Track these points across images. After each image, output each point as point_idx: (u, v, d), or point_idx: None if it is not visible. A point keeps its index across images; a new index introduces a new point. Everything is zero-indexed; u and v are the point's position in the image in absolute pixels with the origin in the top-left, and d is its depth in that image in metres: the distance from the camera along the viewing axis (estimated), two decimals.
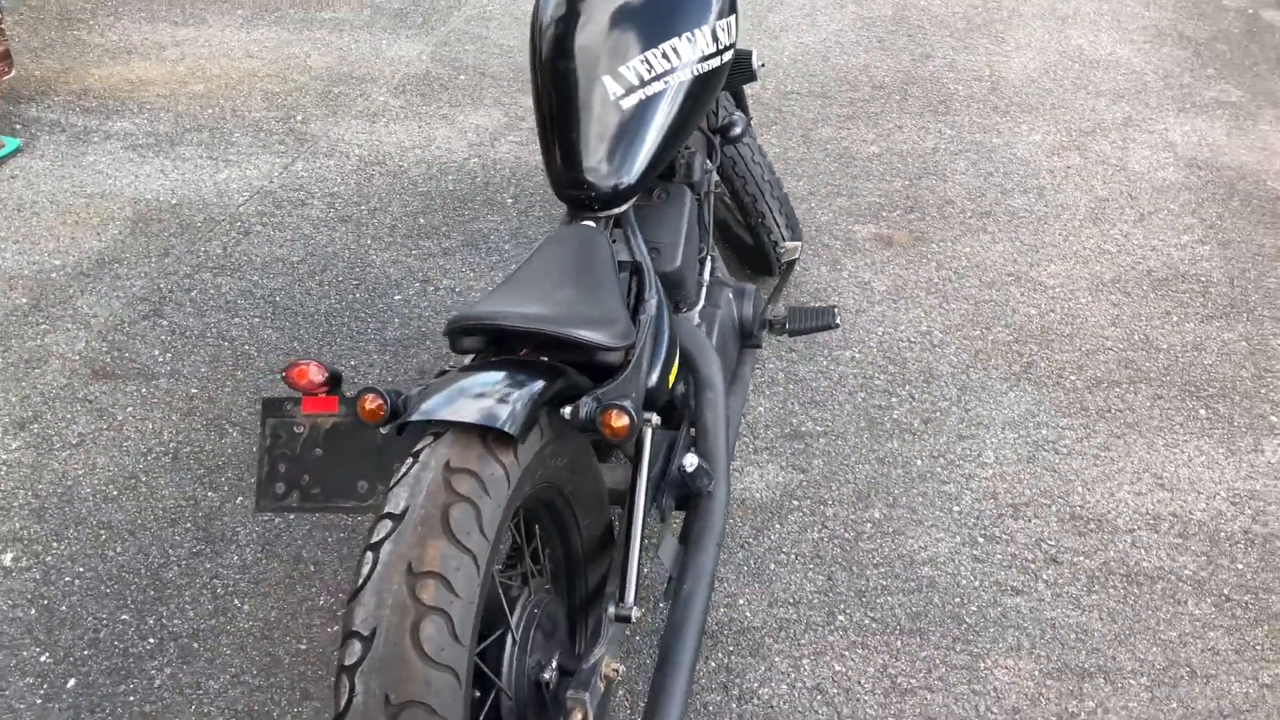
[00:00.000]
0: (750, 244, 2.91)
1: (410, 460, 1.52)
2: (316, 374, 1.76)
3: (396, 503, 1.47)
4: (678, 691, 1.73)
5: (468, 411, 1.54)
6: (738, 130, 2.48)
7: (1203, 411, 2.88)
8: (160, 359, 2.78)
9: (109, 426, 2.58)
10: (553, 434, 1.64)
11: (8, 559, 2.27)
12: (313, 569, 2.31)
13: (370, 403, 1.63)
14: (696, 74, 2.09)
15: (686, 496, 2.01)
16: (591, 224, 2.04)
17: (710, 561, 1.92)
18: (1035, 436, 2.77)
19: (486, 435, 1.53)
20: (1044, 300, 3.23)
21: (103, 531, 2.35)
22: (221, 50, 4.17)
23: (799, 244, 2.76)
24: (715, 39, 2.13)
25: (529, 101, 3.99)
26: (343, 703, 1.38)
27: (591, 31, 2.06)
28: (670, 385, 2.00)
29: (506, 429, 1.51)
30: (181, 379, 2.72)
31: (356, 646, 1.39)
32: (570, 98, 2.03)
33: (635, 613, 1.69)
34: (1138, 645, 2.28)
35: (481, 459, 1.51)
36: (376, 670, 1.37)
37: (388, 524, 1.45)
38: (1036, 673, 2.21)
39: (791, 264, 2.76)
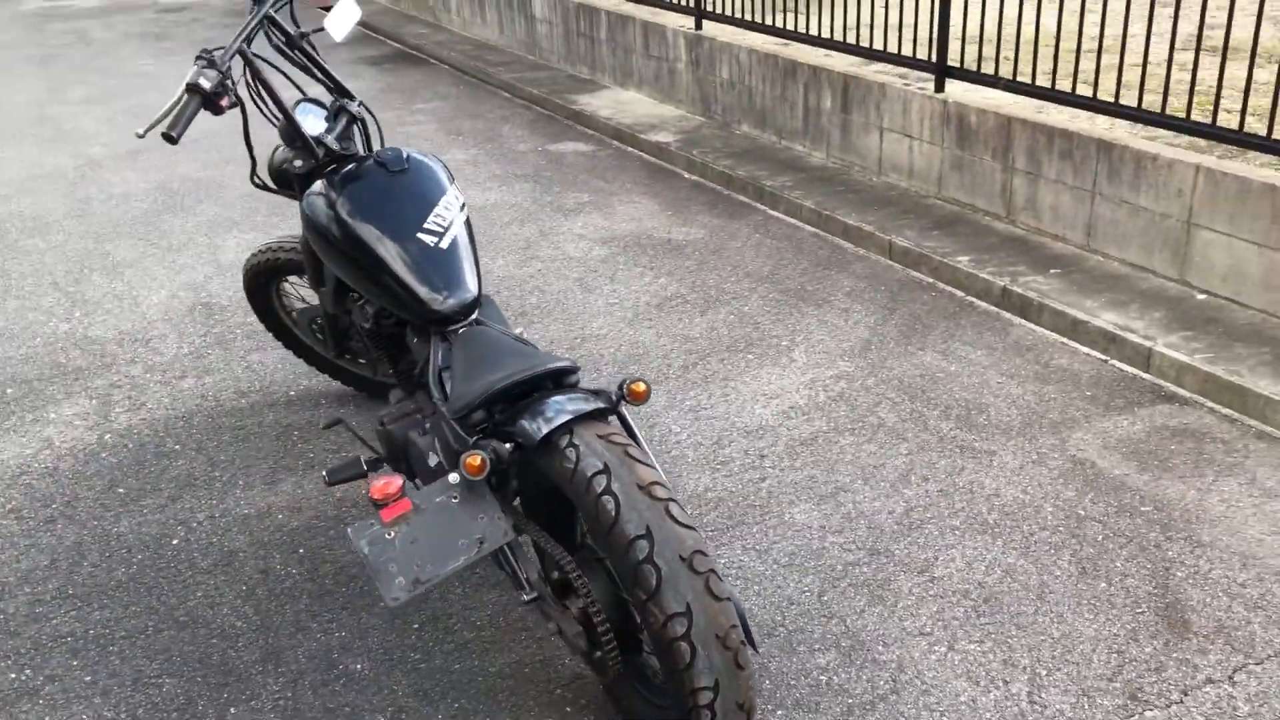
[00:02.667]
0: None
1: (572, 450, 2.22)
2: (392, 486, 2.33)
3: (596, 464, 2.18)
4: None
5: (573, 411, 2.29)
6: None
7: (751, 355, 4.30)
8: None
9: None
10: None
11: None
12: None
13: (476, 460, 2.29)
14: (465, 217, 2.93)
15: None
16: (468, 326, 2.79)
17: None
18: (685, 406, 3.94)
19: (595, 416, 2.30)
20: (607, 342, 4.44)
21: None
22: None
23: None
24: (458, 195, 2.99)
25: (95, 384, 4.25)
26: (653, 582, 2.07)
27: (378, 213, 2.80)
28: None
29: (604, 405, 2.31)
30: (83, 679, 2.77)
31: (643, 544, 2.09)
32: (406, 256, 2.76)
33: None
34: (838, 468, 3.54)
35: (608, 425, 2.29)
36: (666, 546, 2.09)
37: (603, 476, 2.16)
38: (815, 508, 3.35)
39: None
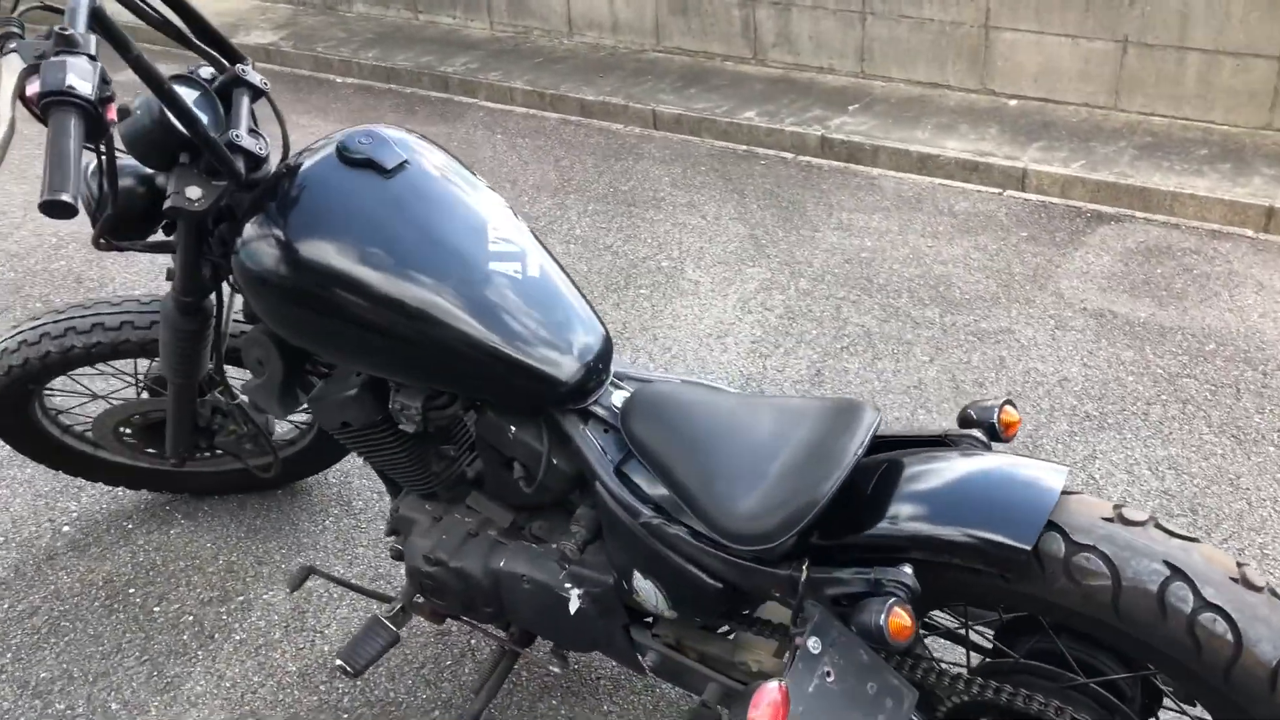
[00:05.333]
0: None
1: (1092, 556, 1.37)
2: (778, 707, 1.39)
3: (1154, 569, 1.35)
4: None
5: (1050, 495, 1.42)
6: None
7: (642, 290, 3.43)
8: None
9: None
10: None
11: None
12: None
13: (905, 618, 1.41)
14: (537, 236, 1.82)
15: None
16: (627, 391, 1.77)
17: None
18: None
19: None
20: None
21: None
22: None
23: None
24: (492, 188, 1.85)
25: None
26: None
27: (413, 248, 1.63)
28: None
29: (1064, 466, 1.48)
30: None
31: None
32: (490, 308, 1.64)
33: None
34: (881, 400, 2.88)
35: (1079, 494, 1.47)
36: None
37: (1181, 585, 1.35)
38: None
39: None
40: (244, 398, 2.35)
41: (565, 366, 1.68)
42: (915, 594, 1.43)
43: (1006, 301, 3.21)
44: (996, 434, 1.60)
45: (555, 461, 1.77)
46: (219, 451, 2.45)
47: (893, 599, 1.40)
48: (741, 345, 3.11)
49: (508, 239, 1.71)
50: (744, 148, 4.30)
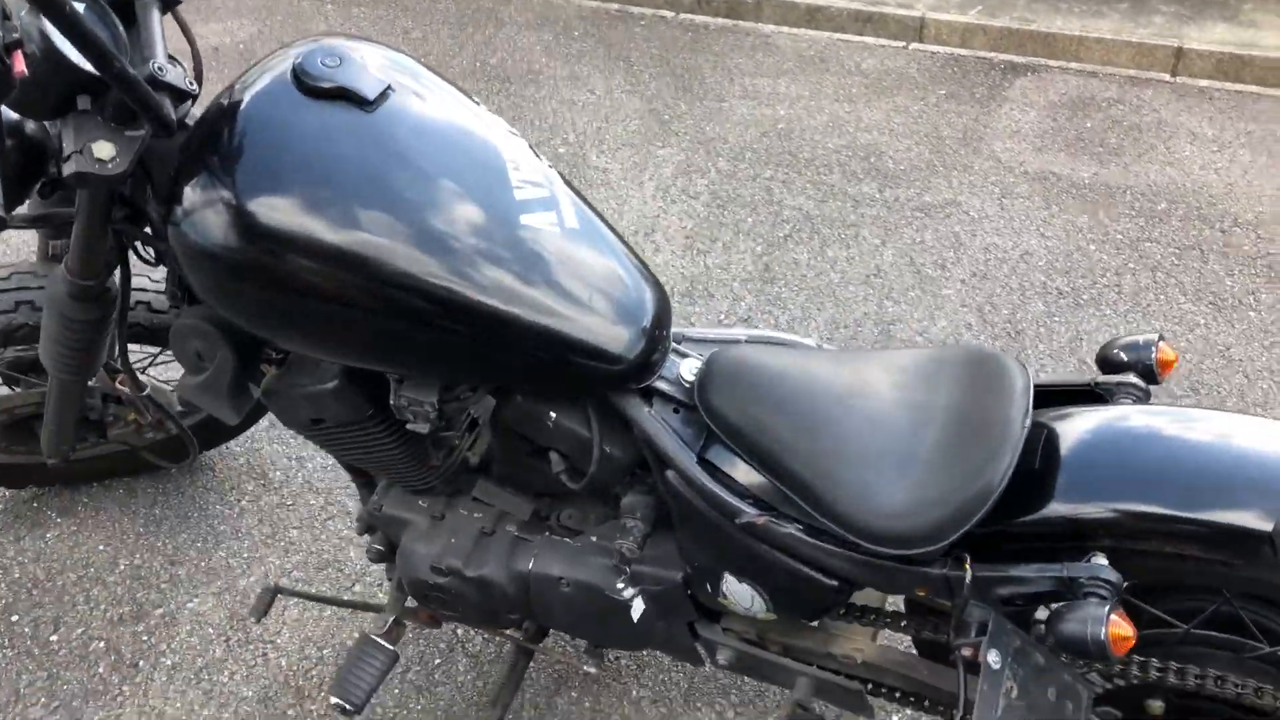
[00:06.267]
0: None
1: None
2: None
3: None
4: None
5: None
6: None
7: None
8: None
9: None
10: None
11: None
12: None
13: (1126, 626, 1.17)
14: (566, 180, 1.42)
15: None
16: (694, 359, 1.42)
17: None
18: None
19: None
20: None
21: None
22: None
23: None
24: (524, 138, 1.44)
25: None
26: None
27: (418, 203, 1.22)
28: None
29: None
30: None
31: None
32: (529, 268, 1.26)
33: None
34: (840, 294, 2.63)
35: None
36: None
37: None
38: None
39: None
40: (156, 383, 1.88)
41: (626, 338, 1.32)
42: (1120, 591, 1.19)
43: (944, 170, 2.99)
44: (1153, 376, 1.36)
45: (608, 449, 1.42)
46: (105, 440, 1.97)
47: (1107, 605, 1.15)
48: (674, 242, 2.79)
49: (534, 181, 1.31)
50: (616, 6, 3.88)
